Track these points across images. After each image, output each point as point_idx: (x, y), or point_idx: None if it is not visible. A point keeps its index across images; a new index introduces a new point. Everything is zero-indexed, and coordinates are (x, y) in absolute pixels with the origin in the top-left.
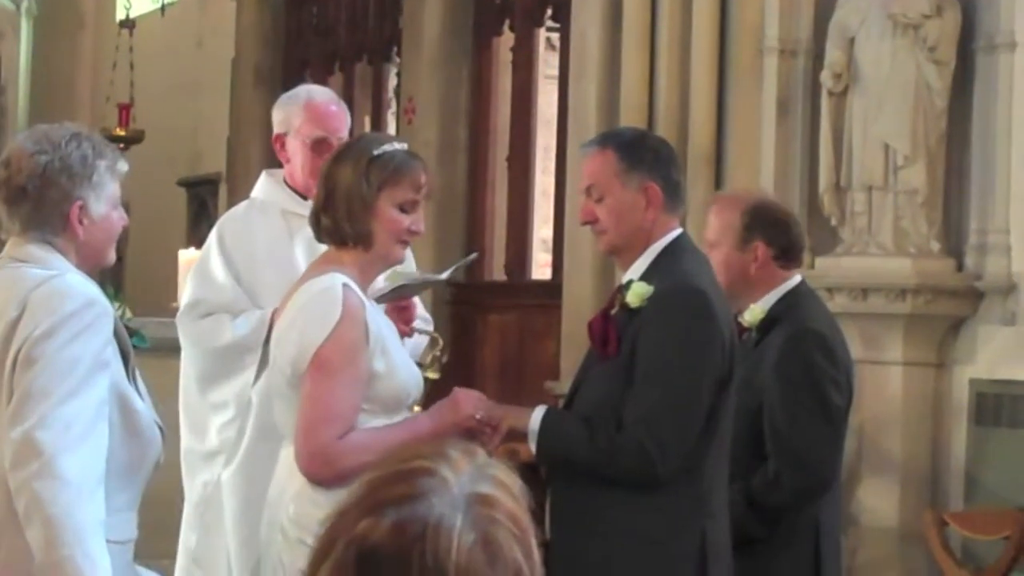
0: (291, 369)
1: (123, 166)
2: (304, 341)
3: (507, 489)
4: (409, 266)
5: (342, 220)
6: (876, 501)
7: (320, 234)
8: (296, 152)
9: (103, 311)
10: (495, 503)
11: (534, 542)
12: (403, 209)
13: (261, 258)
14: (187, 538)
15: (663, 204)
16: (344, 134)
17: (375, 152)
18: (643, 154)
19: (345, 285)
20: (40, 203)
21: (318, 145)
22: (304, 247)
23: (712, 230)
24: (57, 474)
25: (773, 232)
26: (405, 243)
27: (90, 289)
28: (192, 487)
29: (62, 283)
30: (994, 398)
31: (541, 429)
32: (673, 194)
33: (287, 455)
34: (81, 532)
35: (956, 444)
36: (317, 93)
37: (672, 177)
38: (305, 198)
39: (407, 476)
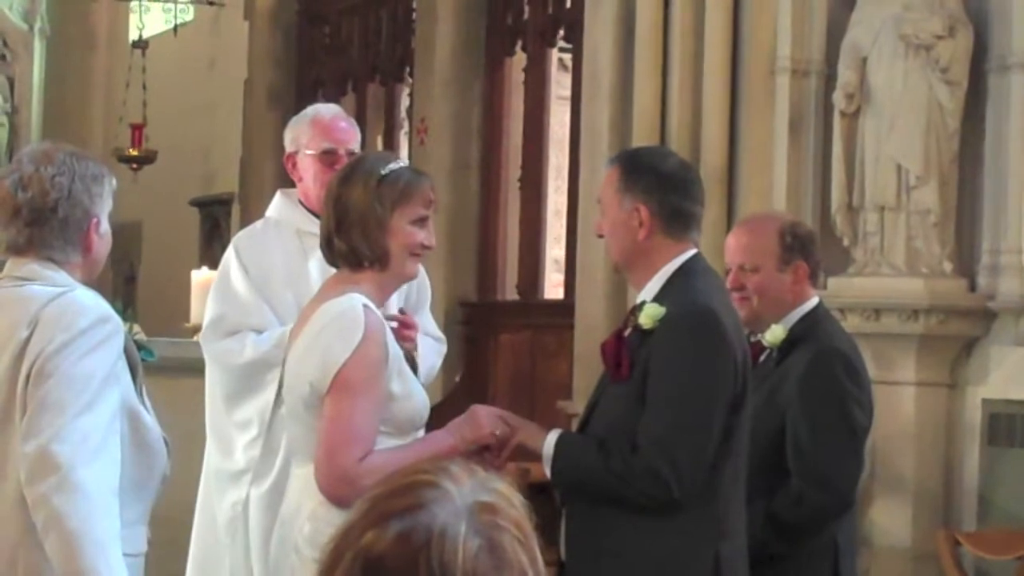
0: (310, 389)
1: (114, 182)
2: (326, 361)
3: (508, 499)
4: (423, 281)
5: (358, 242)
6: (889, 521)
7: (334, 258)
8: (307, 168)
9: (115, 327)
10: (498, 510)
11: (537, 549)
12: (415, 225)
13: (278, 277)
14: (206, 555)
15: (658, 228)
16: (354, 147)
17: (383, 172)
18: (641, 176)
19: (365, 306)
20: (67, 223)
21: (326, 156)
22: (318, 266)
23: (747, 255)
24: (75, 487)
25: (810, 250)
26: (418, 257)
27: (102, 305)
28: (221, 508)
29: (73, 299)
30: (1007, 418)
31: (556, 454)
32: (672, 219)
33: (301, 474)
34: (100, 544)
35: (969, 464)
36: (323, 109)
37: (671, 202)
38: (319, 217)
39: (409, 489)
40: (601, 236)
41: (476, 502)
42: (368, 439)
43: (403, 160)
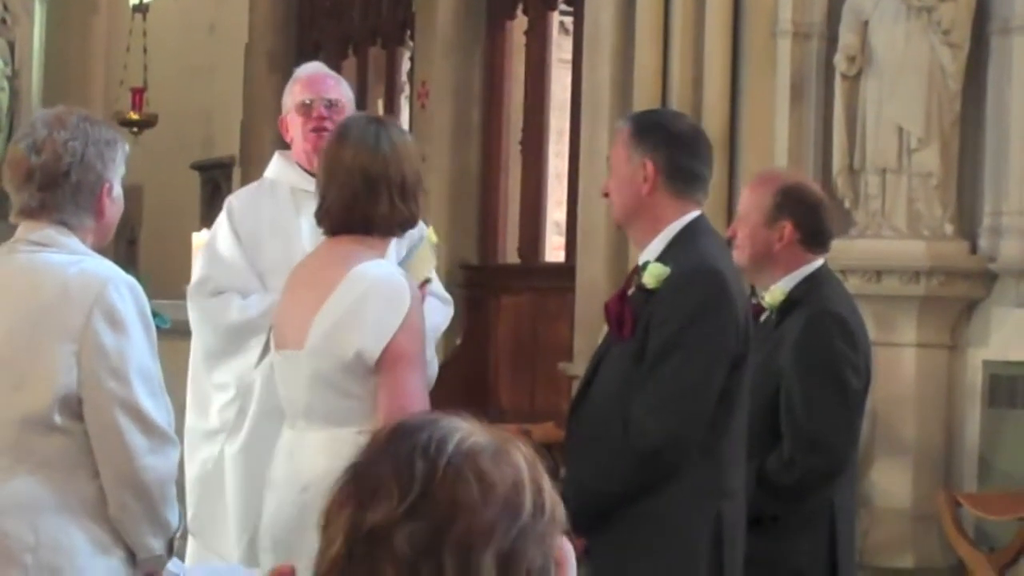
0: (355, 356)
1: (126, 147)
2: (378, 330)
3: (525, 446)
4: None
5: (414, 207)
6: (889, 482)
7: (374, 227)
8: (293, 125)
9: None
10: (513, 440)
11: (545, 484)
12: None
13: (265, 234)
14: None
15: (662, 184)
16: (333, 96)
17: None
18: (651, 133)
19: (402, 273)
20: (79, 187)
21: (303, 108)
22: (309, 222)
23: (743, 204)
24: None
25: (802, 214)
26: None
27: (124, 276)
28: (192, 463)
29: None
30: (1008, 380)
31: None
32: (677, 177)
33: (323, 437)
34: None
35: (969, 425)
36: (305, 67)
37: (679, 161)
38: (312, 174)
39: (432, 414)
40: (607, 195)
41: (495, 433)
42: (426, 406)
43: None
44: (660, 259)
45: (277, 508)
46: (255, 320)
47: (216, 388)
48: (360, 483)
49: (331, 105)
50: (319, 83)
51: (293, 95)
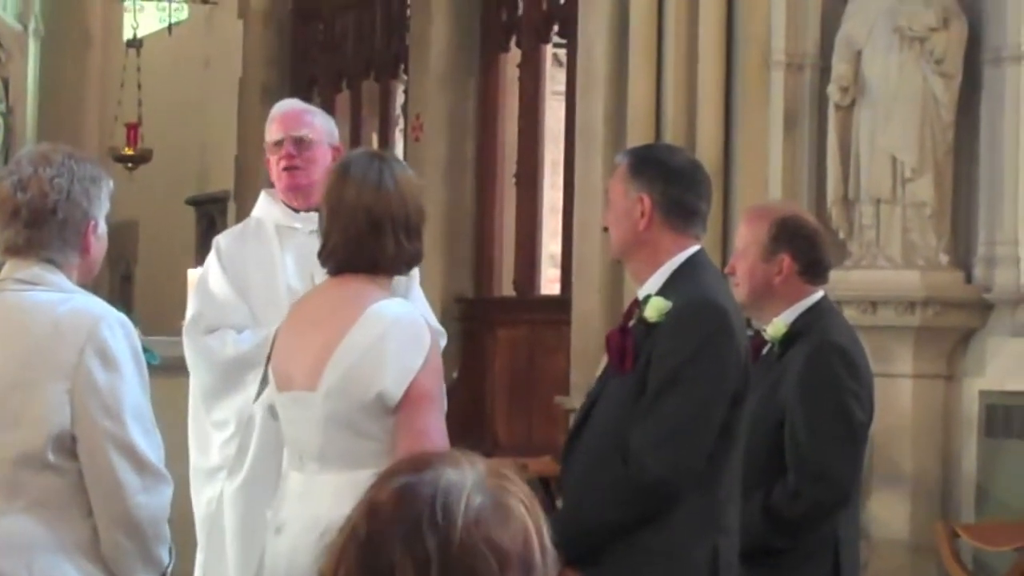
0: (376, 395)
1: (111, 184)
2: (401, 369)
3: (517, 478)
4: (412, 282)
5: (418, 244)
6: (887, 513)
7: (381, 266)
8: (270, 163)
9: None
10: (506, 479)
11: (544, 522)
12: None
13: (252, 271)
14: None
15: (660, 219)
16: (302, 132)
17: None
18: (648, 168)
19: (419, 312)
20: (65, 224)
21: (274, 148)
22: (294, 259)
23: (740, 239)
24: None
25: (800, 246)
26: None
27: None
28: (199, 504)
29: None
30: (1004, 410)
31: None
32: (674, 212)
33: (339, 481)
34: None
35: (967, 456)
36: (280, 104)
37: (675, 196)
38: (296, 210)
39: (421, 458)
40: (606, 230)
41: (485, 470)
42: (446, 446)
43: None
44: (660, 293)
45: (291, 553)
46: (250, 354)
47: (216, 426)
48: (370, 562)
49: (299, 142)
50: (289, 120)
51: (268, 134)
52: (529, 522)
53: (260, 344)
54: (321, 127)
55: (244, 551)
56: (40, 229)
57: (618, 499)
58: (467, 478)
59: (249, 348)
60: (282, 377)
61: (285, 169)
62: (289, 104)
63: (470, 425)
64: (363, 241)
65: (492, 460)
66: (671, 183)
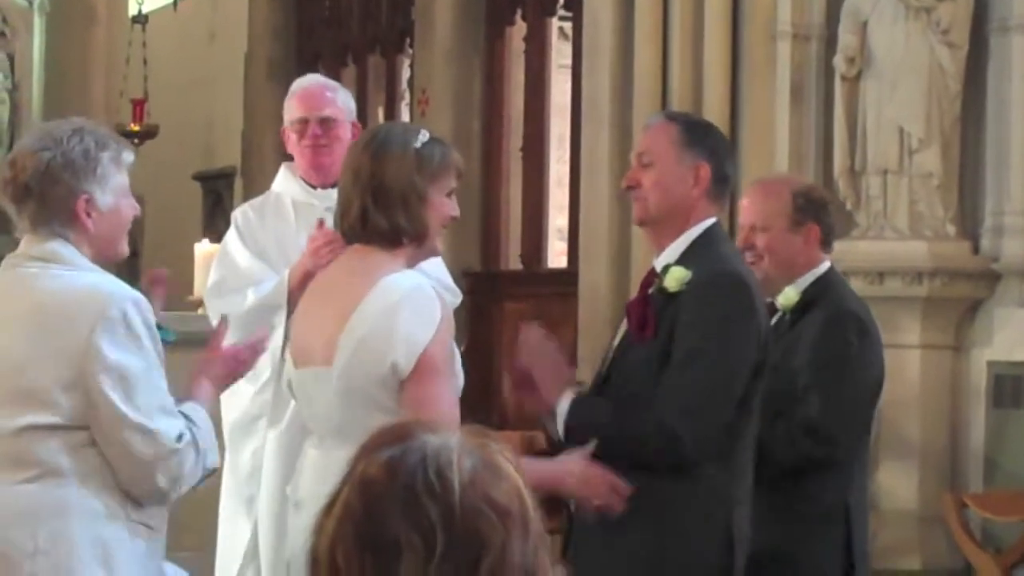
0: (389, 368)
1: (128, 156)
2: (411, 341)
3: (495, 436)
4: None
5: (400, 219)
6: (895, 484)
7: (368, 236)
8: (290, 140)
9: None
10: (488, 438)
11: (527, 489)
12: (448, 197)
13: (270, 245)
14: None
15: (708, 189)
16: (327, 112)
17: (416, 145)
18: (706, 137)
19: (431, 284)
20: (44, 200)
21: (298, 126)
22: (308, 233)
23: (755, 214)
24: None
25: (823, 215)
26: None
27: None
28: (241, 461)
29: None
30: (1012, 380)
31: (570, 411)
32: (721, 184)
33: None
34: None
35: (975, 426)
36: (299, 82)
37: (724, 169)
38: (314, 187)
39: (400, 428)
40: (630, 188)
41: (466, 436)
42: (456, 418)
43: (425, 130)
44: (679, 262)
45: (310, 531)
46: (270, 296)
47: (247, 379)
48: (372, 539)
49: (325, 122)
50: (314, 100)
51: (290, 111)
52: (519, 479)
53: (276, 287)
54: (343, 104)
55: (277, 508)
56: (22, 204)
57: (643, 426)
58: (451, 442)
59: (267, 292)
60: (300, 353)
61: (309, 147)
62: (311, 81)
63: (478, 399)
64: (380, 211)
65: (473, 426)
66: (723, 155)
